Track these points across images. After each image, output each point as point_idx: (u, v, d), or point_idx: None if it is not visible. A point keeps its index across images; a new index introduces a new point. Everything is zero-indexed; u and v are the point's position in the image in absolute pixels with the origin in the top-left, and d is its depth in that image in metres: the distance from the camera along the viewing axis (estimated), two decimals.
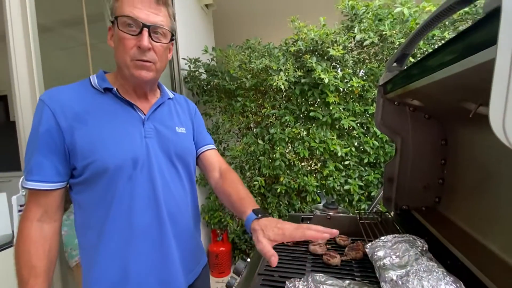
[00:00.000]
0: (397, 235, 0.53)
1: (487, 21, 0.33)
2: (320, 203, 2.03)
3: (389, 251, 0.49)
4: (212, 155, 0.87)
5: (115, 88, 0.69)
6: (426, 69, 0.52)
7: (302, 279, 0.53)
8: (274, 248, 0.58)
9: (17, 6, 0.96)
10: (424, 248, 0.50)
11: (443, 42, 1.61)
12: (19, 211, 0.85)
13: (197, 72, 2.23)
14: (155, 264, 0.71)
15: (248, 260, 0.94)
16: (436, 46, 1.64)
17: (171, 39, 0.71)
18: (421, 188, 0.85)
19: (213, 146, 0.90)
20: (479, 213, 0.63)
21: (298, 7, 3.71)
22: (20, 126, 0.97)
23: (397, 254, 0.48)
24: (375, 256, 0.49)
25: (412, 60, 1.54)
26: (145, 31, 0.63)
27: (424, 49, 1.64)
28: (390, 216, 0.92)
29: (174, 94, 0.87)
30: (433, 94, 0.65)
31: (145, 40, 0.63)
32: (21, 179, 0.65)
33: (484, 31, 0.34)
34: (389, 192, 0.91)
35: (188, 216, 0.81)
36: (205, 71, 2.30)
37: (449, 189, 0.81)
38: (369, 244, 0.55)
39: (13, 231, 1.69)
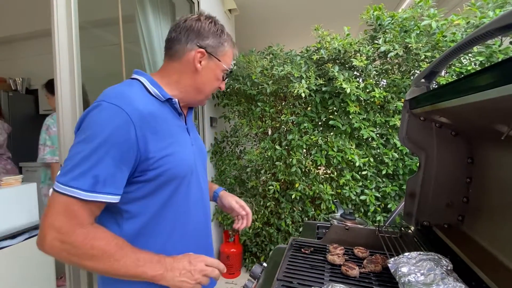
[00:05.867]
0: (421, 252, 0.54)
1: None
2: (335, 212, 2.02)
3: (414, 268, 0.50)
4: None
5: (177, 101, 0.72)
6: (460, 90, 0.53)
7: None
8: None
9: (63, 6, 1.03)
10: (449, 268, 0.51)
11: (470, 56, 1.58)
12: None
13: None
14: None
15: (265, 264, 0.96)
16: (463, 60, 1.61)
17: None
18: (444, 205, 0.84)
19: None
20: (505, 235, 0.63)
21: (321, 15, 3.72)
22: (60, 118, 1.04)
23: (422, 271, 0.48)
24: (399, 272, 0.50)
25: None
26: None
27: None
28: (410, 231, 0.91)
29: None
30: (463, 114, 0.65)
31: (223, 85, 0.81)
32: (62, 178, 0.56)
33: None
34: (410, 207, 0.90)
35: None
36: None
37: (474, 208, 0.80)
38: (392, 259, 0.56)
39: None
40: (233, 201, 0.95)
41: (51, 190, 0.58)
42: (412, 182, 0.90)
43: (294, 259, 0.82)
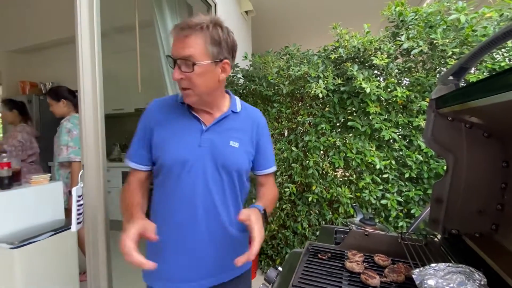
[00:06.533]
0: (450, 264, 0.49)
1: None
2: (353, 216, 1.95)
3: (442, 281, 0.46)
4: (266, 179, 0.96)
5: (185, 104, 0.83)
6: (493, 88, 0.48)
7: None
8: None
9: (85, 13, 1.07)
10: (483, 283, 0.46)
11: (503, 51, 1.47)
12: (78, 201, 0.94)
13: (235, 77, 2.29)
14: (186, 254, 0.82)
15: (280, 269, 0.94)
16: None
17: (218, 61, 0.77)
18: (475, 213, 0.78)
19: (270, 170, 0.96)
20: None
21: (338, 14, 3.64)
22: (82, 121, 1.07)
23: (451, 285, 0.44)
24: (425, 285, 0.46)
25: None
26: (177, 66, 0.74)
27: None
28: (436, 239, 0.85)
29: (242, 108, 0.91)
30: (497, 114, 0.60)
31: (175, 73, 0.75)
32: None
33: None
34: (437, 213, 0.84)
35: (227, 218, 0.85)
36: (243, 76, 2.36)
37: (510, 216, 0.73)
38: (417, 270, 0.52)
39: (65, 217, 1.87)
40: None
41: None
42: (439, 186, 0.84)
43: (310, 265, 0.79)
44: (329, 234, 1.22)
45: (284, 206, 2.16)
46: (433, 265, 0.51)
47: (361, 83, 1.63)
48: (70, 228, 1.69)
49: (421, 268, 0.51)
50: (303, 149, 1.99)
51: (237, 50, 0.84)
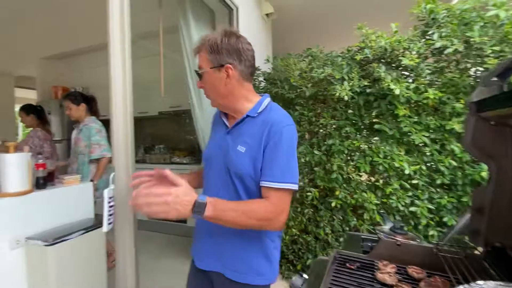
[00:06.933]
0: (501, 283, 0.45)
1: None
2: (380, 223, 1.87)
3: None
4: (265, 193, 0.81)
5: (218, 110, 0.96)
6: None
7: None
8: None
9: (117, 21, 1.12)
10: None
11: None
12: (109, 202, 0.98)
13: (256, 80, 2.29)
14: (203, 237, 0.92)
15: (305, 276, 0.91)
16: None
17: (219, 66, 0.83)
18: None
19: (267, 184, 0.79)
20: None
21: (361, 14, 3.54)
22: (114, 120, 1.12)
23: None
24: None
25: None
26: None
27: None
28: (478, 252, 0.79)
29: (263, 113, 0.86)
30: None
31: (197, 83, 0.90)
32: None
33: None
34: (478, 224, 0.78)
35: None
36: (264, 79, 2.35)
37: None
38: (462, 287, 0.48)
39: (95, 215, 1.95)
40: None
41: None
42: (479, 195, 0.78)
43: (338, 274, 0.76)
44: (355, 241, 1.17)
45: (306, 211, 2.12)
46: (480, 282, 0.47)
47: (389, 85, 1.56)
48: (100, 227, 1.77)
49: (466, 286, 0.47)
50: (326, 152, 1.94)
51: (249, 53, 0.86)
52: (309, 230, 2.19)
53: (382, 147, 1.73)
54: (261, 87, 2.28)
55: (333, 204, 1.93)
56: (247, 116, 0.85)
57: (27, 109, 2.72)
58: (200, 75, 0.86)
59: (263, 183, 0.79)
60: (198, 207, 0.70)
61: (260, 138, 0.81)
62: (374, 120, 1.78)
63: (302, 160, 2.05)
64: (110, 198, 1.00)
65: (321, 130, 2.01)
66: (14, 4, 3.24)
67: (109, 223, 1.02)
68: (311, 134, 2.09)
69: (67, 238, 1.56)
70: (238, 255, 0.87)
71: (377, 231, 1.19)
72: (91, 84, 4.06)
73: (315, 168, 1.96)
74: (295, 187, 0.79)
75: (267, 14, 3.33)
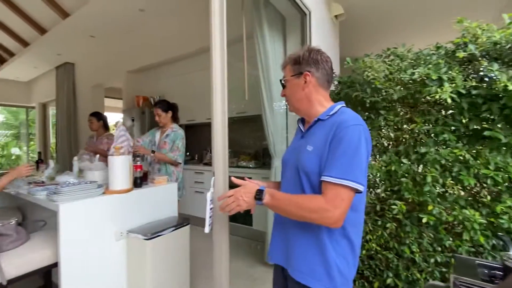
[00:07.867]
0: None
1: None
2: (483, 246, 1.59)
3: None
4: (323, 188, 0.83)
5: (299, 118, 1.08)
6: None
7: None
8: None
9: (218, 27, 1.18)
10: None
11: None
12: (210, 205, 1.03)
13: (332, 85, 2.21)
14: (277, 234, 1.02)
15: None
16: None
17: (298, 73, 0.95)
18: None
19: (328, 178, 0.80)
20: None
21: (438, 10, 3.16)
22: (214, 125, 1.17)
23: None
24: None
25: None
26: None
27: None
28: None
29: (333, 116, 0.91)
30: None
31: (281, 93, 1.02)
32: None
33: None
34: None
35: None
36: (338, 82, 2.26)
37: None
38: None
39: (178, 214, 2.10)
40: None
41: None
42: None
43: None
44: (468, 267, 1.03)
45: (387, 225, 1.93)
46: None
47: (506, 85, 1.33)
48: (187, 225, 1.90)
49: None
50: (418, 162, 1.75)
51: (327, 64, 0.95)
52: (390, 246, 1.99)
53: (493, 158, 1.47)
54: (336, 92, 2.19)
55: (424, 220, 1.71)
56: (319, 119, 0.92)
57: (98, 115, 3.09)
58: (283, 85, 1.00)
59: (322, 178, 0.82)
60: (258, 194, 0.86)
61: (326, 137, 0.85)
62: (483, 126, 1.53)
63: (384, 169, 1.88)
64: (210, 200, 1.05)
65: (408, 137, 1.82)
66: (108, 27, 3.79)
67: (209, 225, 1.07)
68: (397, 141, 1.90)
69: (161, 234, 1.70)
70: (300, 254, 0.90)
71: (505, 258, 1.02)
72: (164, 92, 4.49)
73: (402, 179, 1.77)
74: (355, 185, 0.79)
75: (335, 16, 3.22)
